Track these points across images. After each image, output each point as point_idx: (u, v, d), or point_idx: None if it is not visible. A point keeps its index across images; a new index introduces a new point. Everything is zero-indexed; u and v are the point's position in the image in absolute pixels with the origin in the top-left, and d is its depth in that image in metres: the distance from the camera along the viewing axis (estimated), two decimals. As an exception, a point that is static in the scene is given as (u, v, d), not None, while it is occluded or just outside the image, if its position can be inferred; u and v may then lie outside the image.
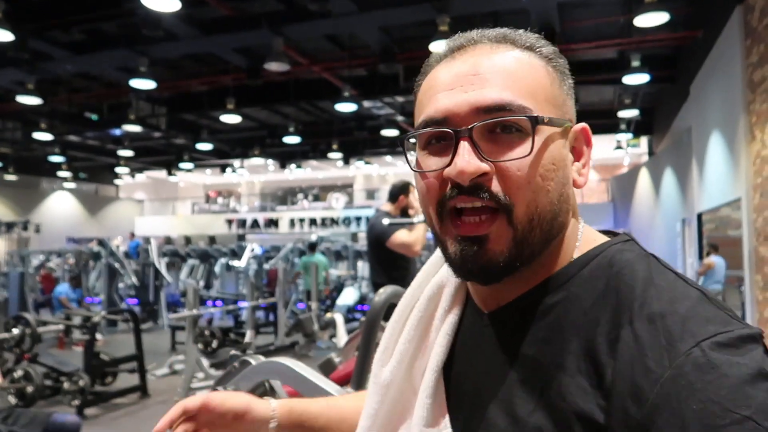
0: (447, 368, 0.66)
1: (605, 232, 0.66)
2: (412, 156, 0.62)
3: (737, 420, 0.43)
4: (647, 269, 0.55)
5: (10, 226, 9.64)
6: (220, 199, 27.90)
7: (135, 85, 8.44)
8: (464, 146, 0.55)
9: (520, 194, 0.56)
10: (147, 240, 12.23)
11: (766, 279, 5.45)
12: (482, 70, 0.57)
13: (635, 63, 8.04)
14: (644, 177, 15.86)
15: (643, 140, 17.95)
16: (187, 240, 18.91)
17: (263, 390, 1.31)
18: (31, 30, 7.54)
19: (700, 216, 10.41)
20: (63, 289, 9.67)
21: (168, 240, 22.33)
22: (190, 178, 26.76)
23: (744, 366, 0.45)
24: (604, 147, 19.68)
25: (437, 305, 0.68)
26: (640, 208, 16.49)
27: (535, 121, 0.56)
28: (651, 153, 16.76)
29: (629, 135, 15.06)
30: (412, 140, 0.62)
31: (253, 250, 12.58)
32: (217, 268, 12.82)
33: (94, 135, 14.70)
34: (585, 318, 0.55)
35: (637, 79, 8.36)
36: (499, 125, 0.56)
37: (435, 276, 0.71)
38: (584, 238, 0.62)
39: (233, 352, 1.46)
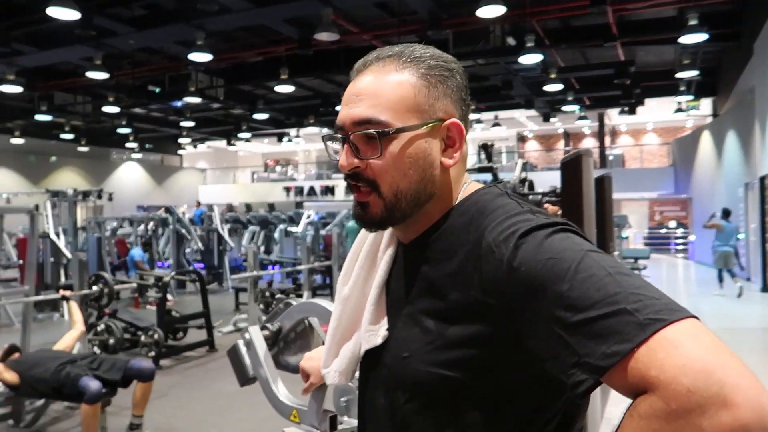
0: (388, 286, 0.92)
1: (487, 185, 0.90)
2: (333, 148, 0.90)
3: (544, 262, 0.68)
4: (496, 200, 0.82)
5: (86, 195, 10.32)
6: (278, 168, 28.56)
7: (193, 58, 8.81)
8: (345, 148, 0.84)
9: (381, 179, 0.83)
10: (210, 207, 12.83)
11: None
12: (359, 92, 0.84)
13: (693, 21, 7.72)
14: (706, 140, 15.20)
15: (707, 102, 17.10)
16: (248, 207, 19.60)
17: (303, 327, 1.55)
18: (96, 7, 7.97)
19: (762, 180, 10.00)
20: (138, 252, 10.37)
21: (230, 207, 23.21)
22: (248, 147, 27.51)
23: (541, 235, 0.71)
24: (664, 109, 18.87)
25: (380, 241, 0.96)
26: (702, 172, 15.86)
27: (382, 134, 0.81)
28: (714, 115, 16.01)
29: (690, 97, 14.41)
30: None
31: (309, 216, 12.99)
32: (276, 234, 13.33)
33: (157, 107, 15.37)
34: (458, 239, 0.81)
35: (696, 38, 8.03)
36: (367, 134, 0.82)
37: None
38: (466, 191, 0.88)
39: (279, 295, 1.70)
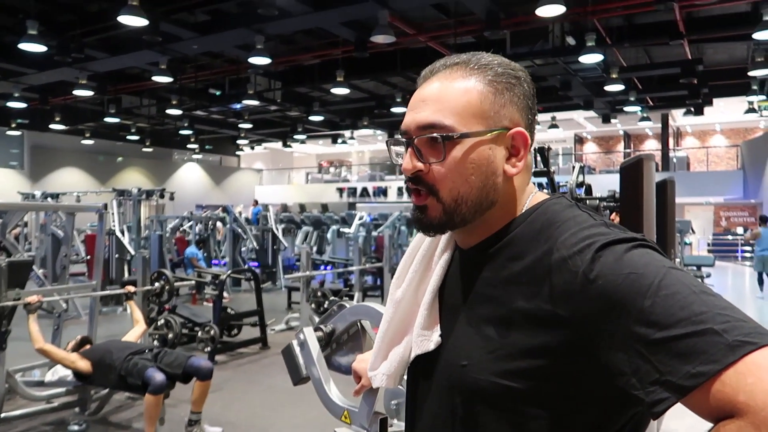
0: (442, 291, 0.91)
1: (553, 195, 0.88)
2: (396, 151, 0.90)
3: (624, 276, 0.67)
4: (567, 211, 0.81)
5: (149, 194, 10.75)
6: (332, 169, 28.90)
7: (252, 61, 9.01)
8: (409, 152, 0.84)
9: (442, 184, 0.83)
10: (266, 207, 13.10)
11: None
12: (425, 98, 0.84)
13: (768, 17, 7.32)
14: (781, 141, 14.40)
15: (781, 101, 16.15)
16: (302, 208, 19.92)
17: (356, 329, 1.55)
18: (162, 14, 8.27)
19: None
20: (192, 250, 10.70)
21: (284, 207, 23.66)
22: (303, 148, 27.95)
23: (620, 249, 0.70)
24: (734, 110, 17.98)
25: (437, 245, 0.95)
26: (775, 175, 15.03)
27: (446, 138, 0.81)
28: (790, 115, 15.12)
29: (762, 96, 13.67)
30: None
31: (362, 217, 13.08)
32: (329, 235, 13.49)
33: (217, 109, 15.81)
34: (525, 249, 0.79)
35: (770, 34, 7.59)
36: (431, 137, 0.82)
37: None
38: (532, 201, 0.87)
39: (332, 298, 1.71)
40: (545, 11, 6.70)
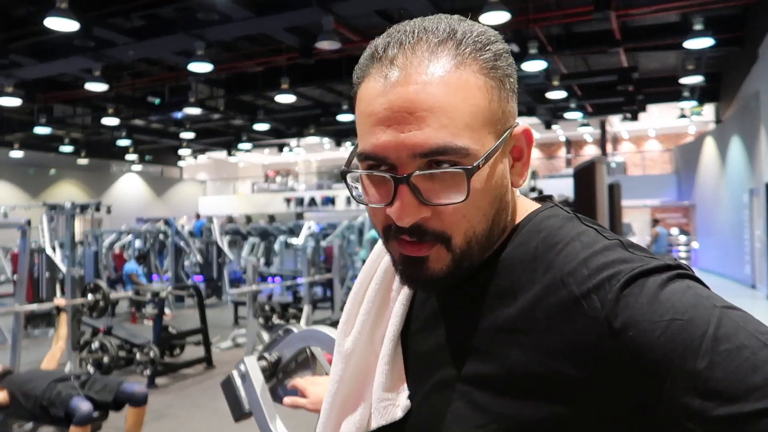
0: (406, 336, 0.70)
1: (538, 199, 0.69)
2: (356, 187, 0.63)
3: (664, 326, 0.49)
4: (567, 227, 0.60)
5: (83, 208, 10.19)
6: (278, 178, 28.49)
7: (193, 69, 8.70)
8: (403, 191, 0.56)
9: (457, 228, 0.58)
10: (210, 219, 12.69)
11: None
12: (417, 107, 0.55)
13: (698, 26, 7.61)
14: (710, 146, 15.10)
15: (709, 108, 17.02)
16: (248, 219, 19.47)
17: (305, 356, 1.39)
18: (95, 18, 7.87)
19: (770, 185, 9.86)
20: (132, 266, 10.21)
21: (230, 219, 23.10)
22: (249, 158, 27.44)
23: (653, 284, 0.51)
24: (667, 115, 18.80)
25: (394, 276, 0.71)
26: (706, 178, 15.74)
27: (472, 170, 0.56)
28: (718, 121, 15.92)
29: (693, 102, 14.33)
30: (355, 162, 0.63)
31: (310, 227, 12.85)
32: (276, 246, 13.17)
33: (157, 118, 15.27)
34: (518, 280, 0.59)
35: (701, 43, 7.92)
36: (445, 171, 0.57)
37: None
38: (518, 211, 0.66)
39: (278, 321, 1.55)
40: (490, 19, 6.72)
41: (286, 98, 10.78)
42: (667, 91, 13.60)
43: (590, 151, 24.67)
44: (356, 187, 0.63)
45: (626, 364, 0.49)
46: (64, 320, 4.17)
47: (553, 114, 15.95)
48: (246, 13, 7.54)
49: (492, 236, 0.62)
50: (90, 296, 5.19)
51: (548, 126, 17.25)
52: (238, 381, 1.38)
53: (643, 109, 15.00)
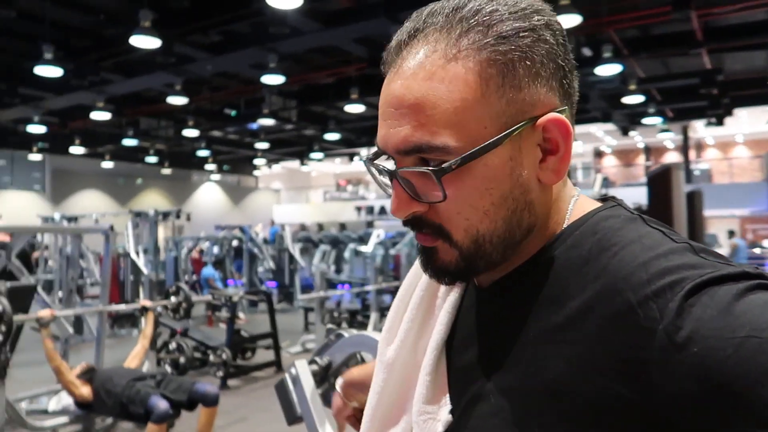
0: (450, 347, 0.66)
1: (601, 200, 0.63)
2: (379, 178, 0.62)
3: (738, 344, 0.42)
4: (628, 228, 0.55)
5: (165, 215, 10.74)
6: (349, 187, 28.89)
7: (266, 81, 9.01)
8: (395, 184, 0.57)
9: (453, 224, 0.57)
10: (282, 227, 13.05)
11: None
12: (400, 99, 0.55)
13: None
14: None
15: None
16: (320, 227, 19.87)
17: (355, 361, 1.39)
18: (176, 35, 8.30)
19: None
20: (209, 271, 10.64)
21: (302, 227, 23.64)
22: (321, 167, 28.01)
23: (725, 294, 0.45)
24: (756, 120, 17.62)
25: (439, 284, 0.67)
26: (804, 186, 14.62)
27: (439, 172, 0.53)
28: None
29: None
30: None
31: (378, 235, 12.94)
32: (346, 254, 13.35)
33: (234, 129, 15.90)
34: (568, 285, 0.54)
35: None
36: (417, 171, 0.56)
37: None
38: (574, 212, 0.61)
39: (330, 326, 1.57)
40: (561, 23, 6.55)
41: (355, 108, 10.94)
42: (756, 94, 12.75)
43: (671, 159, 23.50)
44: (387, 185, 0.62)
45: (687, 386, 0.43)
46: (151, 320, 4.39)
47: (630, 120, 15.30)
48: (316, 25, 7.73)
49: (512, 236, 0.58)
50: (173, 299, 5.44)
51: (625, 132, 16.57)
52: (290, 385, 1.40)
53: (730, 114, 14.10)
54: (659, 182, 2.95)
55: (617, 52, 8.73)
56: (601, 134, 21.68)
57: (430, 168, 0.54)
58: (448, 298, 0.68)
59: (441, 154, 0.54)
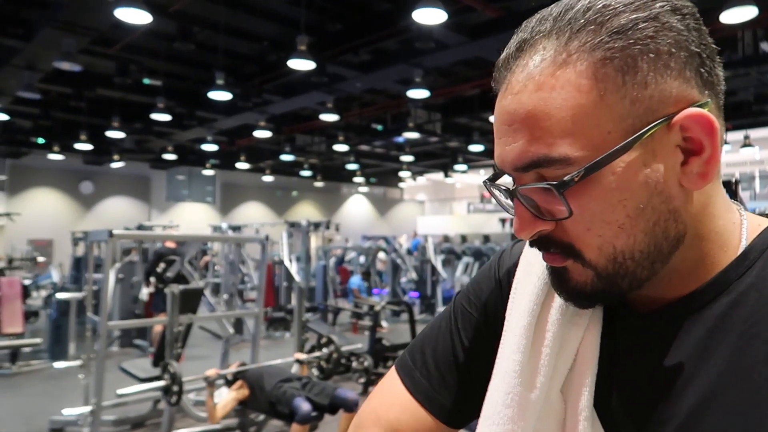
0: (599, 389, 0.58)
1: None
2: (504, 198, 0.58)
3: None
4: None
5: (317, 226, 11.38)
6: (493, 199, 28.45)
7: (412, 95, 9.20)
8: (516, 204, 0.54)
9: (584, 242, 0.52)
10: (425, 238, 13.19)
11: None
12: (513, 119, 0.51)
13: None
14: None
15: None
16: (463, 238, 19.78)
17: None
18: (328, 57, 8.81)
19: None
20: (356, 281, 11.06)
21: (446, 238, 23.72)
22: (465, 179, 27.94)
23: None
24: None
25: (577, 308, 0.59)
26: None
27: (560, 186, 0.49)
28: None
29: None
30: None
31: (523, 248, 12.56)
32: (489, 266, 13.14)
33: (380, 143, 16.45)
34: (761, 323, 0.48)
35: None
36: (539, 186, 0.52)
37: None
38: (749, 231, 0.54)
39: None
40: (732, 16, 5.92)
41: (500, 119, 10.76)
42: None
43: None
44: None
45: None
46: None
47: (822, 122, 13.34)
48: (461, 38, 7.75)
49: (658, 249, 0.51)
50: (324, 350, 5.53)
51: (816, 136, 14.47)
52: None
53: None
54: None
55: (804, 45, 7.67)
56: (785, 139, 19.15)
57: (551, 183, 0.50)
58: (590, 325, 0.58)
59: (562, 166, 0.49)
